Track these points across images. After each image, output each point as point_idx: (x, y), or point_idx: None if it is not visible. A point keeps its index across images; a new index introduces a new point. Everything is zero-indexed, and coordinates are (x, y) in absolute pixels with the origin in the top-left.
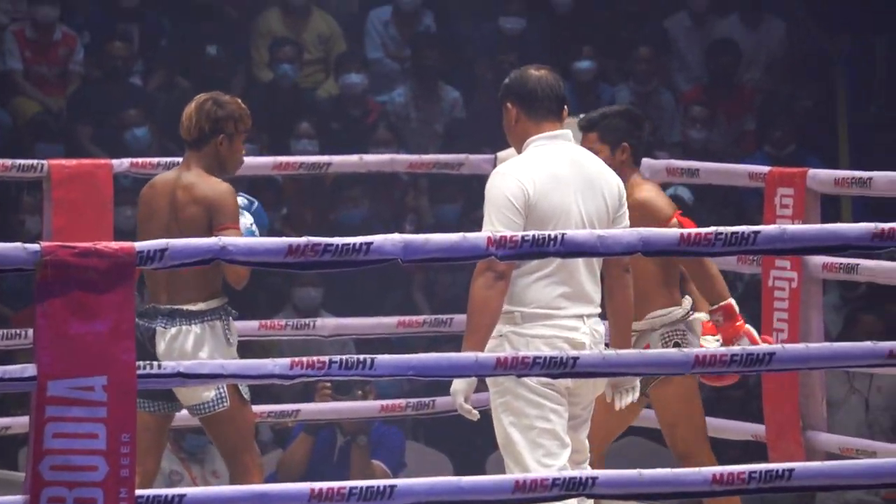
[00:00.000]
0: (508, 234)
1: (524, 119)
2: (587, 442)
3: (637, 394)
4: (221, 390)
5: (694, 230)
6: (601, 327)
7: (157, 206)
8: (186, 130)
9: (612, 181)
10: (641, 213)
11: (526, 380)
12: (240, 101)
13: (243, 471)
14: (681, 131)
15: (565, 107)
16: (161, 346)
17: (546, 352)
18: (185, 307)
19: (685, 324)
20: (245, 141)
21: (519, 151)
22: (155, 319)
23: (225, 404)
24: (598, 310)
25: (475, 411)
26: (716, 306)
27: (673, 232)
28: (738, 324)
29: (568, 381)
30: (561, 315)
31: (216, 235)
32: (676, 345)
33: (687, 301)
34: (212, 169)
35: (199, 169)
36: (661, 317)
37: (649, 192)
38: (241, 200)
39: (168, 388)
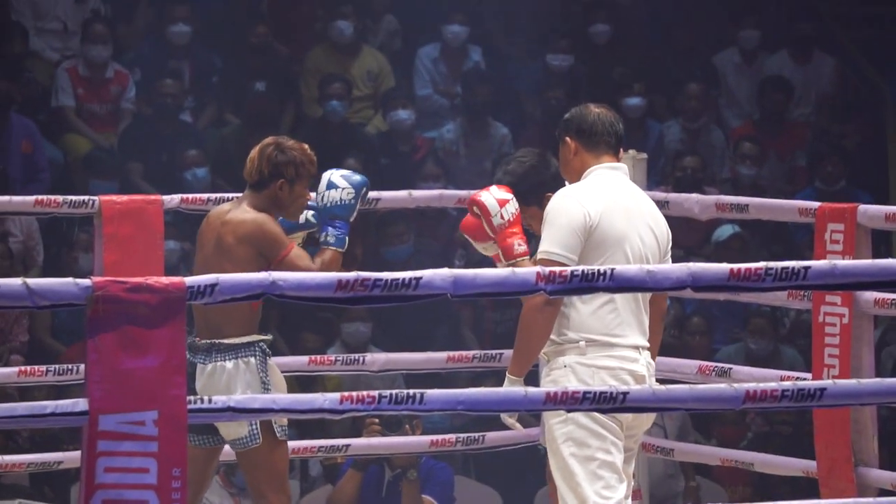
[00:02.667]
0: (558, 268)
1: (583, 153)
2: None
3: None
4: (254, 427)
5: (745, 266)
6: (653, 361)
7: (204, 240)
8: (248, 172)
9: (662, 223)
10: None
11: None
12: (306, 147)
13: None
14: (730, 167)
15: (621, 147)
16: (199, 383)
17: (598, 386)
18: (221, 341)
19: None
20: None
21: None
22: (196, 355)
23: (256, 442)
24: (648, 344)
25: (518, 425)
26: None
27: (723, 267)
28: None
29: (628, 415)
30: (622, 345)
31: (276, 267)
32: None
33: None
34: (267, 210)
35: (250, 208)
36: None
37: None
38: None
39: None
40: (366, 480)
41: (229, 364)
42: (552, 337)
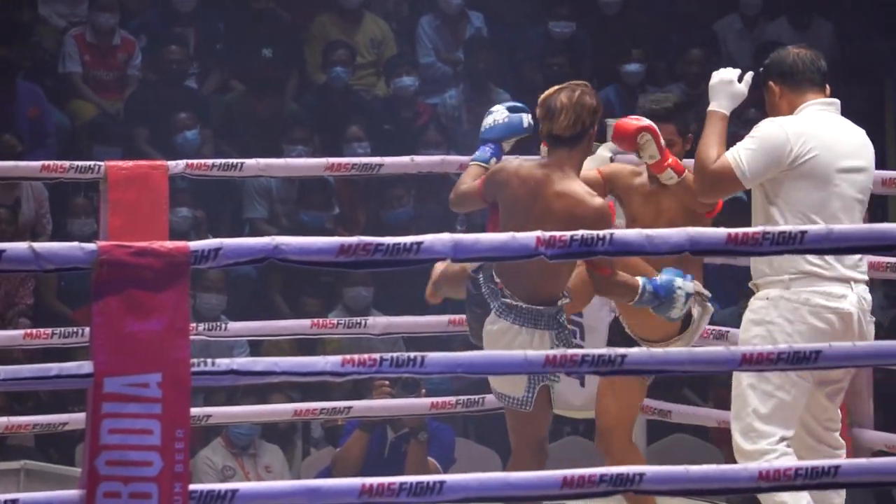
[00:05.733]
0: (558, 233)
1: (787, 94)
2: (839, 413)
3: None
4: (531, 395)
5: (742, 230)
6: (869, 296)
7: (520, 197)
8: (564, 127)
9: (871, 151)
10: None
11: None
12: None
13: (519, 462)
14: (732, 133)
15: (826, 85)
16: (488, 331)
17: (595, 350)
18: (521, 304)
19: None
20: (298, 143)
21: None
22: (496, 300)
23: (528, 408)
24: (866, 277)
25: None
26: None
27: (721, 232)
28: None
29: None
30: (828, 276)
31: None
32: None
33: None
34: (581, 166)
35: (574, 171)
36: None
37: None
38: None
39: None
40: (370, 442)
41: (525, 331)
42: (763, 268)
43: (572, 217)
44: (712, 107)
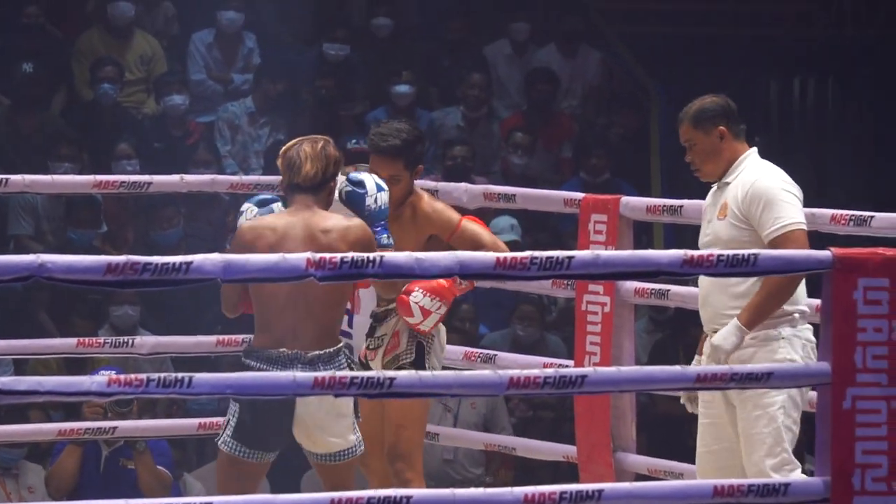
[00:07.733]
0: (328, 255)
1: (732, 140)
2: None
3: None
4: (357, 433)
5: (510, 254)
6: None
7: (291, 249)
8: (310, 176)
9: None
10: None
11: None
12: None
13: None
14: (502, 157)
15: None
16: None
17: (366, 373)
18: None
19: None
20: (65, 160)
21: None
22: (294, 367)
23: (362, 448)
24: None
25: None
26: None
27: (490, 256)
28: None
29: None
30: (808, 316)
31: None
32: (420, 344)
33: None
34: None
35: (323, 210)
36: None
37: (437, 203)
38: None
39: (276, 437)
40: (84, 457)
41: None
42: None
43: (348, 245)
44: None
